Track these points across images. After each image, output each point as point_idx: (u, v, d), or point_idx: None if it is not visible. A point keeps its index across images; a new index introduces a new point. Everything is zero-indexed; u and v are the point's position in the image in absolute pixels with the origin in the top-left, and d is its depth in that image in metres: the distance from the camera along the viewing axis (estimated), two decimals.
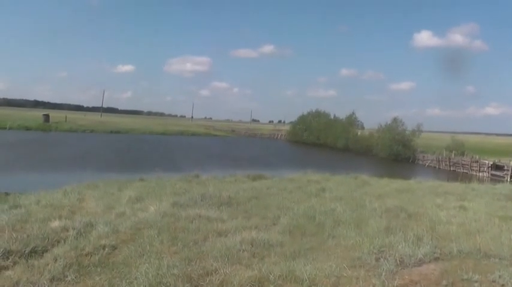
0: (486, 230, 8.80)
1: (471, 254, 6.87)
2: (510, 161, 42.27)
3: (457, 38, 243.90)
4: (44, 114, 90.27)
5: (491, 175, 42.46)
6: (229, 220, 9.39)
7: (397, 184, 18.62)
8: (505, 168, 41.66)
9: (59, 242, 7.49)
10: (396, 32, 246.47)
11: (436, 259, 6.69)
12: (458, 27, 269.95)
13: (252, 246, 7.16)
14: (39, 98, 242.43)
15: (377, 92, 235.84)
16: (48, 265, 6.27)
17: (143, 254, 6.77)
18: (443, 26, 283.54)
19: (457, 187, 18.43)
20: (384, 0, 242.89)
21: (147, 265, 6.19)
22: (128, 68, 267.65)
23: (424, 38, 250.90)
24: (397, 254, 6.68)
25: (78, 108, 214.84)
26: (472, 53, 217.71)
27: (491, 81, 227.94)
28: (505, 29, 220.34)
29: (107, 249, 7.08)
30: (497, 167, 43.27)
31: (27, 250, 6.94)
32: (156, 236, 7.69)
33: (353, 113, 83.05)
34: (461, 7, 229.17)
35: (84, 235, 7.89)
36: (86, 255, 6.83)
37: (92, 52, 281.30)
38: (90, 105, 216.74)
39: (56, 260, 6.46)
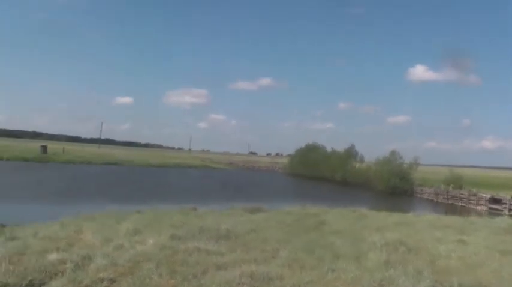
0: (486, 264, 8.78)
1: None
2: (508, 194, 42.21)
3: (451, 72, 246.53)
4: (41, 146, 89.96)
5: (490, 208, 42.24)
6: (228, 253, 9.34)
7: (396, 217, 18.57)
8: (503, 201, 41.51)
9: (56, 275, 7.43)
10: (392, 66, 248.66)
11: None
12: (454, 61, 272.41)
13: (252, 279, 7.11)
14: (38, 129, 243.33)
15: (374, 125, 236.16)
16: None
17: None
18: (438, 60, 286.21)
19: (455, 220, 18.39)
20: (379, 34, 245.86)
21: None
22: (126, 100, 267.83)
23: (419, 71, 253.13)
24: None
25: (76, 139, 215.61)
26: (467, 87, 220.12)
27: (487, 115, 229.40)
28: (498, 63, 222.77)
29: (105, 282, 7.02)
30: (495, 200, 43.11)
31: (24, 283, 6.90)
32: (154, 269, 7.62)
33: (352, 145, 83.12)
34: (455, 41, 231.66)
35: (82, 267, 7.82)
36: None
37: (91, 83, 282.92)
38: (88, 136, 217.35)
39: None
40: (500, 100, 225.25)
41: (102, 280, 7.07)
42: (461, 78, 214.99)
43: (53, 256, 8.57)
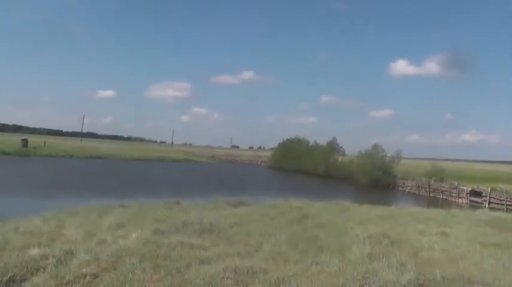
0: (468, 256, 8.88)
1: (455, 281, 6.89)
2: (488, 187, 42.83)
3: (432, 66, 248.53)
4: (22, 139, 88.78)
5: (470, 201, 42.89)
6: (212, 247, 9.31)
7: (379, 210, 18.71)
8: (483, 194, 42.15)
9: (38, 270, 7.32)
10: (374, 60, 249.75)
11: (420, 286, 6.70)
12: (434, 56, 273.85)
13: (236, 273, 7.08)
14: (18, 123, 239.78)
15: (357, 119, 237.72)
16: None
17: (125, 283, 6.65)
18: (419, 55, 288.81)
19: (437, 213, 18.59)
20: (362, 28, 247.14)
21: None
22: (108, 93, 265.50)
23: (401, 66, 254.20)
24: (381, 281, 6.67)
25: (58, 133, 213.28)
26: (448, 82, 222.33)
27: (468, 109, 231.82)
28: (478, 58, 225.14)
29: (87, 277, 6.93)
30: (475, 193, 43.75)
31: (5, 279, 6.78)
32: (138, 263, 7.55)
33: (334, 138, 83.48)
34: (436, 36, 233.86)
35: (64, 263, 7.71)
36: (66, 284, 6.68)
37: (73, 77, 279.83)
38: (70, 130, 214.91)
39: None
40: (481, 95, 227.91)
41: (84, 276, 6.99)
42: (442, 73, 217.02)
43: (34, 251, 8.43)
